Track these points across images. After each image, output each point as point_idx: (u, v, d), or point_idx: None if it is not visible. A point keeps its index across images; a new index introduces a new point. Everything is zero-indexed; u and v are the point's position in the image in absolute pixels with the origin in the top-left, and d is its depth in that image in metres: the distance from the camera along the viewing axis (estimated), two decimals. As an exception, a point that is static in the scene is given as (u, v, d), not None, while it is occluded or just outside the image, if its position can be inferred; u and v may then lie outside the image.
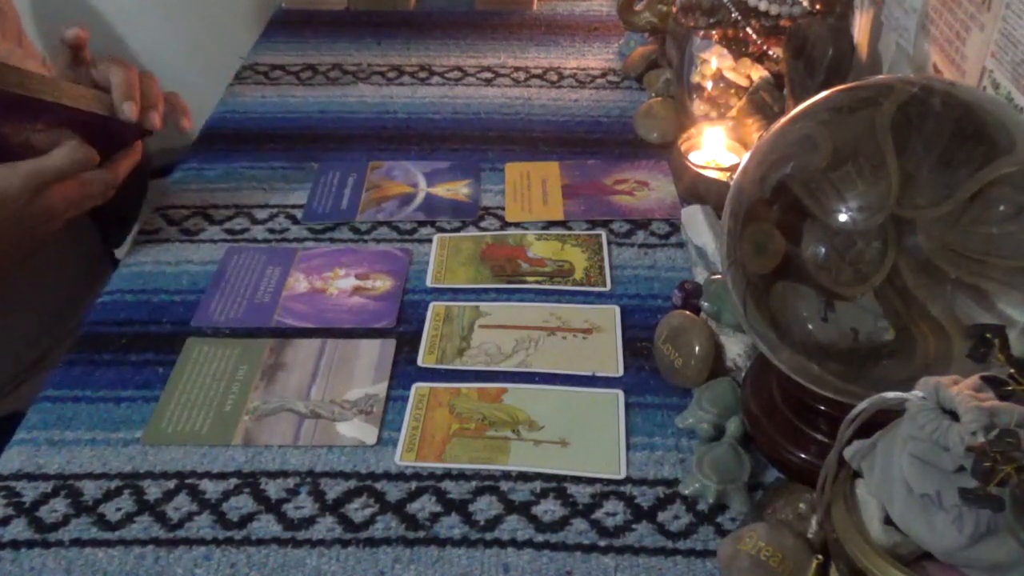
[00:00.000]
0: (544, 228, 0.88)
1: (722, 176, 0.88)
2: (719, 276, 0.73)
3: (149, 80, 0.82)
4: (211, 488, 0.63)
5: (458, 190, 0.93)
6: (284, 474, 0.64)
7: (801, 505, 0.58)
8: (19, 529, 0.60)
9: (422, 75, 1.16)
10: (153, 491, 0.63)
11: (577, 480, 0.63)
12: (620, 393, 0.69)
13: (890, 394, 0.45)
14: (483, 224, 0.89)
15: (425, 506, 0.61)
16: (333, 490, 0.63)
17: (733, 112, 0.92)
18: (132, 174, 0.84)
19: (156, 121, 0.80)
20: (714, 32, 0.94)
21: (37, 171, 0.74)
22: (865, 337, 0.55)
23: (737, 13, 0.91)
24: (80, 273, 1.00)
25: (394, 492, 0.62)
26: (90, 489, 0.63)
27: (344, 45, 1.24)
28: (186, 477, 0.63)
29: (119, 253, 1.05)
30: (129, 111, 0.78)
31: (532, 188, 0.93)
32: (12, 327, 0.91)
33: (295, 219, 0.89)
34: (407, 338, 0.75)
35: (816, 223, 0.54)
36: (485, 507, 0.61)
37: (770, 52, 0.92)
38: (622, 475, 0.63)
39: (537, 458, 0.64)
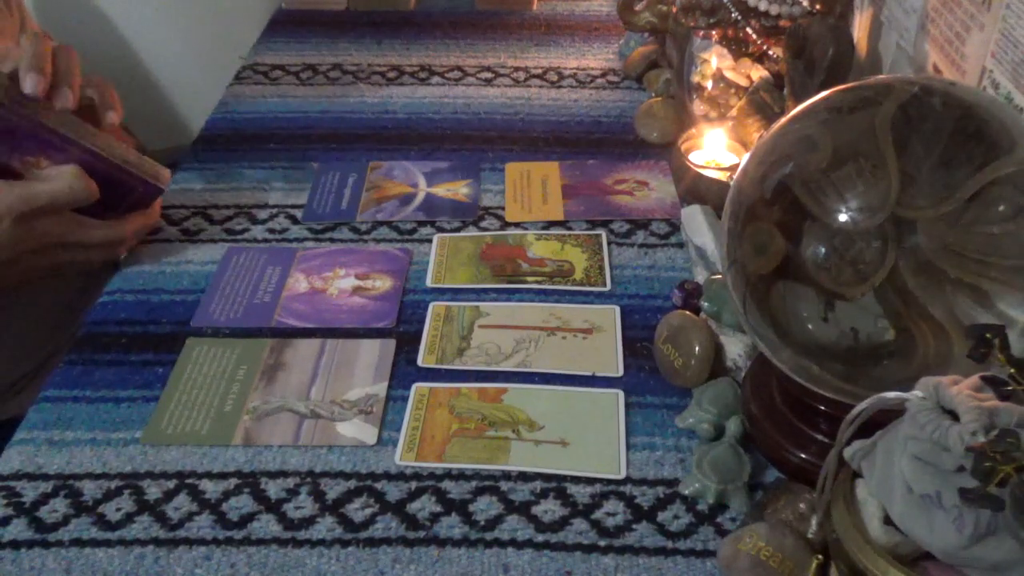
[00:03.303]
0: (544, 228, 0.88)
1: (722, 176, 0.88)
2: (719, 276, 0.73)
3: (67, 54, 0.74)
4: (211, 488, 0.63)
5: (458, 190, 0.93)
6: (284, 474, 0.64)
7: (801, 505, 0.58)
8: (19, 529, 0.60)
9: (422, 75, 1.16)
10: (153, 491, 0.63)
11: (577, 480, 0.63)
12: (620, 393, 0.69)
13: (890, 394, 0.45)
14: (483, 224, 0.89)
15: (425, 506, 0.61)
16: (333, 490, 0.62)
17: (733, 112, 0.92)
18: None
19: (69, 100, 0.73)
20: (714, 32, 0.94)
21: (29, 194, 0.71)
22: (865, 337, 0.55)
23: (737, 13, 0.91)
24: (79, 279, 1.00)
25: (394, 492, 0.62)
26: (90, 489, 0.63)
27: (344, 45, 1.24)
28: (186, 477, 0.63)
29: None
30: (33, 83, 0.70)
31: (532, 188, 0.93)
32: (12, 335, 0.91)
33: (295, 219, 0.89)
34: (407, 338, 0.75)
35: (816, 223, 0.54)
36: (485, 507, 0.61)
37: (770, 52, 0.92)
38: (622, 475, 0.63)
39: (537, 458, 0.64)
